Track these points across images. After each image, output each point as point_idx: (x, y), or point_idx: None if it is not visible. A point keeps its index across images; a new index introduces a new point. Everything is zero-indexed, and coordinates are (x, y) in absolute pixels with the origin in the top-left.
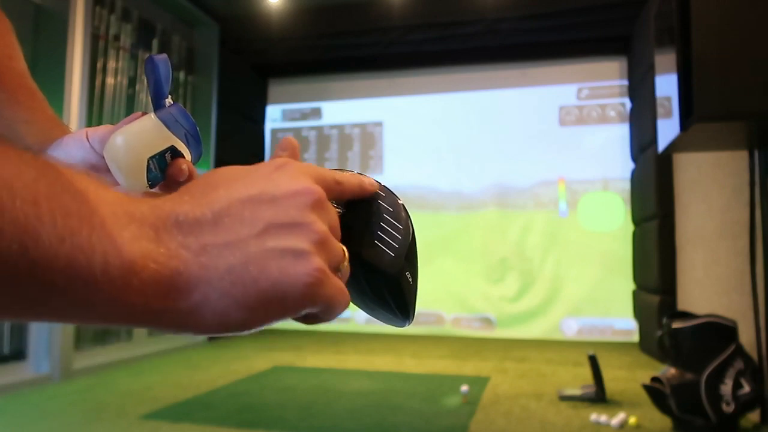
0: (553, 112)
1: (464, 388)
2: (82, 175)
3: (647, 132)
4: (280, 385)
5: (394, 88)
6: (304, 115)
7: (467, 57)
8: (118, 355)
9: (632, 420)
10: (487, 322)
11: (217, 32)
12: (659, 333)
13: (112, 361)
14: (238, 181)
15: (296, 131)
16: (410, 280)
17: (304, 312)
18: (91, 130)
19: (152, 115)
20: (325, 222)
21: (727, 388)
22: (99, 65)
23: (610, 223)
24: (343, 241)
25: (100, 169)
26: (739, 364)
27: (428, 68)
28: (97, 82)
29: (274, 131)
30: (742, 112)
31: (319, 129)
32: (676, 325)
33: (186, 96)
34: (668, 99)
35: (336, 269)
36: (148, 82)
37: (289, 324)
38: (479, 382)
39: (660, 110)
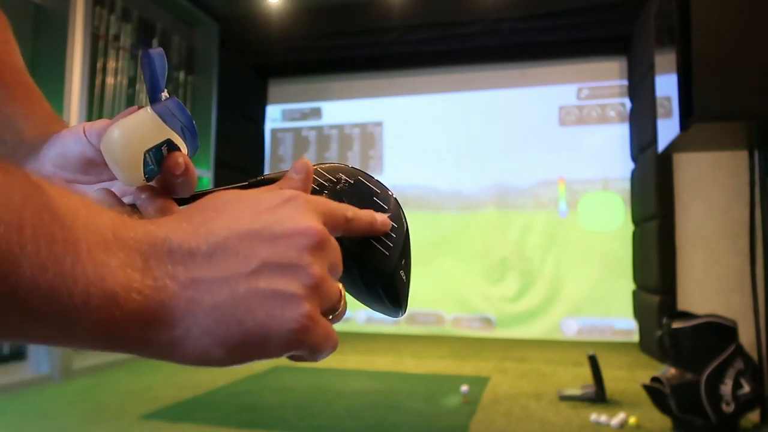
0: (553, 112)
1: (464, 388)
2: (75, 199)
3: (647, 132)
4: (280, 385)
5: (394, 88)
6: (304, 115)
7: (467, 57)
8: (118, 355)
9: (632, 420)
10: (487, 322)
11: (217, 32)
12: (659, 333)
13: (112, 361)
14: (242, 212)
15: (296, 131)
16: (404, 277)
17: (287, 354)
18: (88, 124)
19: (148, 108)
20: (326, 263)
21: (727, 388)
22: (99, 65)
23: (610, 223)
24: (337, 237)
25: (97, 163)
26: (739, 364)
27: (428, 68)
28: (97, 82)
29: (274, 131)
30: (742, 112)
31: (319, 129)
32: (676, 325)
33: (186, 96)
34: (668, 99)
35: (330, 311)
36: (144, 77)
37: None
38: (479, 382)
39: (660, 110)
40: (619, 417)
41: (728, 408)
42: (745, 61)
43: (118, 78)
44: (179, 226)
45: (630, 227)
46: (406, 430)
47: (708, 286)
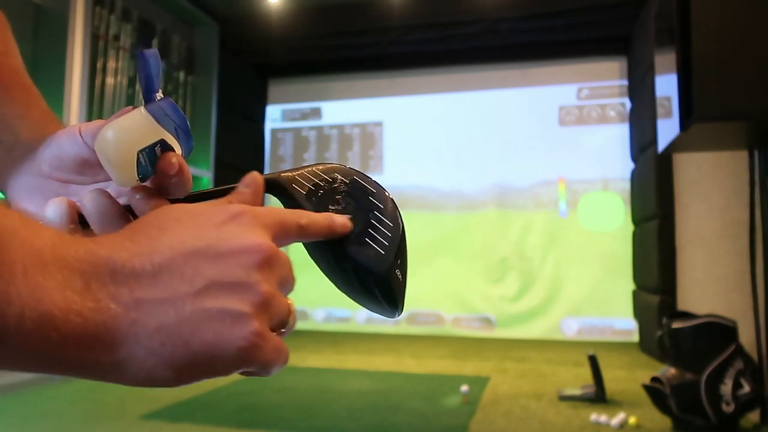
0: (553, 112)
1: (464, 388)
2: (15, 217)
3: (647, 132)
4: (280, 385)
5: (394, 88)
6: (304, 115)
7: (467, 57)
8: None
9: (632, 420)
10: (487, 322)
11: (217, 32)
12: (659, 333)
13: None
14: (188, 230)
15: (296, 131)
16: (400, 276)
17: (237, 372)
18: (83, 125)
19: (142, 108)
20: (275, 279)
21: (727, 388)
22: (99, 65)
23: (610, 223)
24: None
25: (92, 164)
26: (739, 364)
27: (428, 68)
28: (97, 82)
29: (274, 131)
30: (742, 112)
31: (319, 129)
32: (676, 325)
33: (186, 96)
34: (668, 99)
35: (280, 326)
36: (139, 77)
37: None
38: (479, 382)
39: (660, 110)
40: (619, 417)
41: (728, 408)
42: (745, 61)
43: (118, 78)
44: (122, 245)
45: (630, 227)
46: (406, 430)
47: (708, 286)
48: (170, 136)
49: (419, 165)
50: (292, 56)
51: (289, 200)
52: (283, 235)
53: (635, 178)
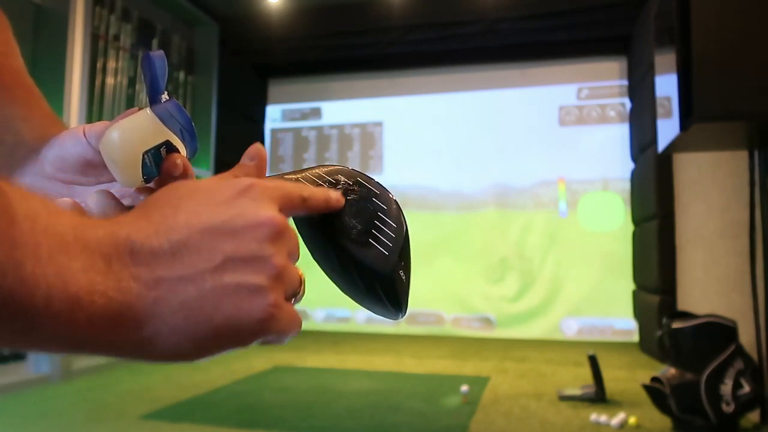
0: (553, 112)
1: (464, 388)
2: (37, 201)
3: (647, 132)
4: (280, 385)
5: (394, 88)
6: (304, 115)
7: (467, 57)
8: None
9: (632, 420)
10: (487, 322)
11: (217, 32)
12: (659, 333)
13: (112, 361)
14: (201, 206)
15: (296, 131)
16: (403, 277)
17: (257, 342)
18: (88, 126)
19: (148, 110)
20: (285, 251)
21: (727, 388)
22: (99, 65)
23: (610, 223)
24: (337, 238)
25: (96, 165)
26: (739, 364)
27: (428, 68)
28: (97, 82)
29: (274, 131)
30: (742, 112)
31: (319, 129)
32: (676, 325)
33: (186, 96)
34: (668, 99)
35: (292, 295)
36: (144, 78)
37: None
38: (479, 382)
39: (660, 110)
40: (619, 417)
41: (728, 408)
42: (745, 61)
43: (118, 78)
44: (139, 225)
45: (630, 227)
46: (406, 430)
47: (708, 286)
48: (175, 137)
49: (419, 165)
50: (292, 56)
51: None
52: (289, 207)
53: (635, 178)
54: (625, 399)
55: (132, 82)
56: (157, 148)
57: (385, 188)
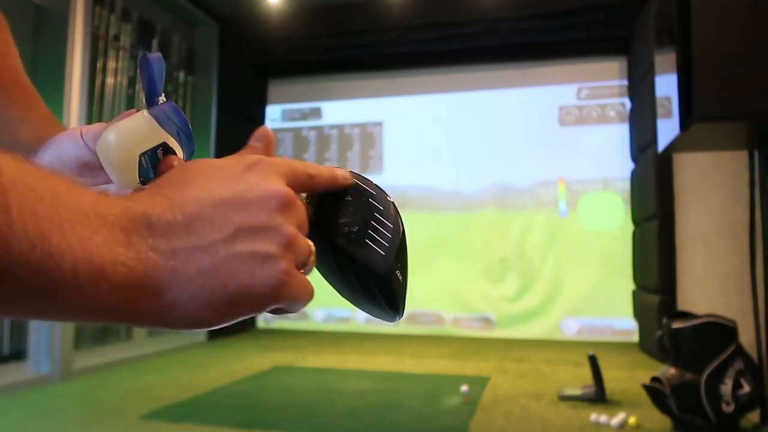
0: (553, 112)
1: (464, 388)
2: (56, 179)
3: (647, 132)
4: (280, 385)
5: (394, 88)
6: (304, 115)
7: (467, 57)
8: (118, 355)
9: (632, 420)
10: (487, 322)
11: (217, 32)
12: (659, 333)
13: (112, 361)
14: (211, 181)
15: (296, 131)
16: (400, 278)
17: (270, 308)
18: (85, 127)
19: (145, 112)
20: (294, 221)
21: (727, 388)
22: (99, 65)
23: (610, 223)
24: (333, 238)
25: (93, 166)
26: (739, 364)
27: (428, 68)
28: (97, 82)
29: (274, 131)
30: (742, 112)
31: (319, 129)
32: (676, 325)
33: (186, 96)
34: (668, 99)
35: (302, 265)
36: (142, 80)
37: (289, 324)
38: (479, 382)
39: (660, 110)
40: (619, 417)
41: (728, 408)
42: (745, 61)
43: (118, 78)
44: (154, 201)
45: (630, 227)
46: (406, 430)
47: (708, 286)
48: (172, 139)
49: (419, 165)
50: (292, 56)
51: None
52: (296, 183)
53: (635, 178)
54: (625, 399)
55: (132, 82)
56: (154, 149)
57: (381, 189)
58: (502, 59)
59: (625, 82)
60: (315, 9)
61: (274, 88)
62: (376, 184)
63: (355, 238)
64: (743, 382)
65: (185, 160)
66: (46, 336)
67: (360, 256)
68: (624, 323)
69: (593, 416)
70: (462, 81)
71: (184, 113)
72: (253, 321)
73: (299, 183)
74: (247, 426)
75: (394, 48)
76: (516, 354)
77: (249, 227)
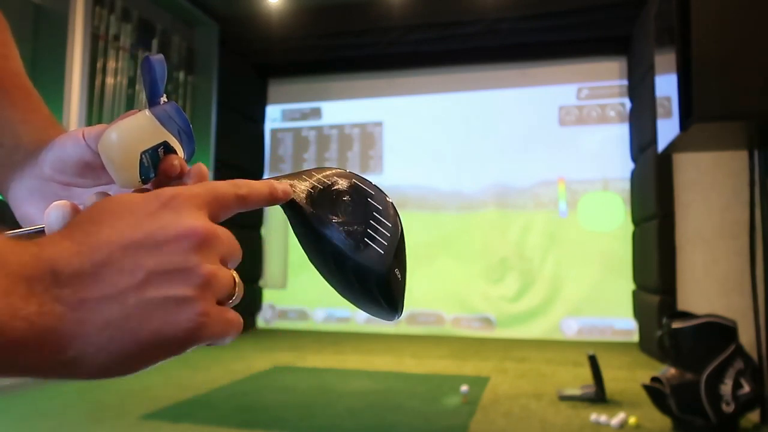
0: (553, 112)
1: (464, 388)
2: None
3: (647, 132)
4: (280, 385)
5: (394, 88)
6: (304, 115)
7: (467, 57)
8: None
9: (632, 420)
10: (487, 322)
11: (217, 32)
12: (659, 333)
13: None
14: (123, 221)
15: (296, 131)
16: (399, 277)
17: (191, 349)
18: (87, 129)
19: (146, 111)
20: (214, 257)
21: (727, 388)
22: (99, 65)
23: (610, 223)
24: (332, 238)
25: (95, 167)
26: (739, 364)
27: (428, 68)
28: (97, 82)
29: (274, 131)
30: (742, 112)
31: (318, 129)
32: (676, 325)
33: (186, 96)
34: (668, 99)
35: (228, 297)
36: (144, 82)
37: (289, 324)
38: (479, 382)
39: (660, 110)
40: (619, 417)
41: (728, 408)
42: (745, 61)
43: (118, 78)
44: (63, 246)
45: (630, 227)
46: (406, 430)
47: (708, 286)
48: (173, 138)
49: (419, 165)
50: (292, 56)
51: (289, 204)
52: (221, 209)
53: (635, 178)
54: (625, 399)
55: (132, 82)
56: (155, 148)
57: (380, 190)
58: (502, 59)
59: (625, 82)
60: (315, 9)
61: (274, 88)
62: (375, 185)
63: (354, 238)
64: (743, 382)
65: (186, 160)
66: None
67: (359, 255)
68: (624, 323)
69: (593, 416)
70: (462, 81)
71: (184, 112)
72: (253, 321)
73: (227, 207)
74: (247, 426)
75: (394, 48)
76: (516, 354)
77: (162, 271)
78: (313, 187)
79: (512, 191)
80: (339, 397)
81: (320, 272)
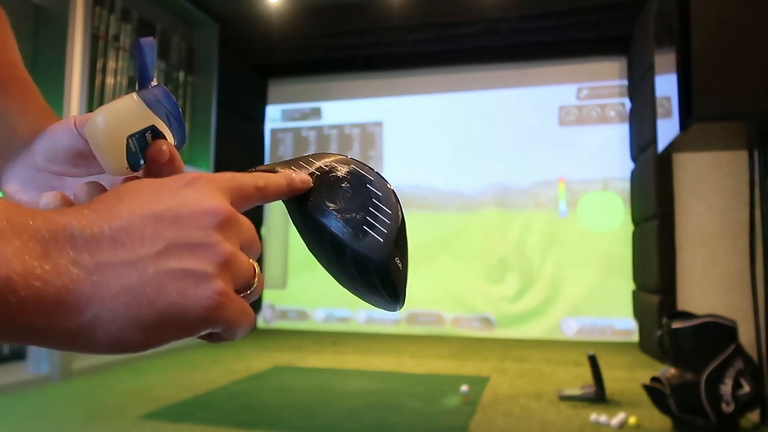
0: (553, 112)
1: (464, 388)
2: None
3: (647, 132)
4: (280, 385)
5: (394, 88)
6: (304, 115)
7: (467, 57)
8: (118, 355)
9: (632, 420)
10: (487, 322)
11: (217, 32)
12: (659, 333)
13: (112, 361)
14: (144, 195)
15: (296, 131)
16: (399, 265)
17: (204, 332)
18: (78, 117)
19: (134, 94)
20: (235, 240)
21: (726, 388)
22: (99, 65)
23: (610, 223)
24: (330, 226)
25: (86, 155)
26: (739, 364)
27: (428, 68)
28: (97, 82)
29: (274, 131)
30: (742, 112)
31: (318, 129)
32: (676, 325)
33: (186, 96)
34: (668, 99)
35: (245, 288)
36: (134, 65)
37: (289, 324)
38: (479, 382)
39: (660, 110)
40: (619, 417)
41: (728, 408)
42: (745, 61)
43: (118, 78)
44: (81, 213)
45: (630, 227)
46: (406, 430)
47: (708, 286)
48: (162, 123)
49: (419, 165)
50: (292, 56)
51: None
52: (242, 198)
53: (635, 178)
54: (625, 399)
55: (132, 82)
56: (142, 133)
57: (380, 175)
58: (502, 59)
59: (625, 82)
60: (315, 9)
61: (274, 88)
62: (376, 171)
63: (353, 226)
64: (743, 382)
65: (176, 147)
66: None
67: (358, 243)
68: (624, 323)
69: (593, 416)
70: (462, 81)
71: (184, 112)
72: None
73: (247, 197)
74: (247, 426)
75: (393, 48)
76: (516, 354)
77: (182, 243)
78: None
79: (512, 191)
80: (339, 397)
81: (320, 262)
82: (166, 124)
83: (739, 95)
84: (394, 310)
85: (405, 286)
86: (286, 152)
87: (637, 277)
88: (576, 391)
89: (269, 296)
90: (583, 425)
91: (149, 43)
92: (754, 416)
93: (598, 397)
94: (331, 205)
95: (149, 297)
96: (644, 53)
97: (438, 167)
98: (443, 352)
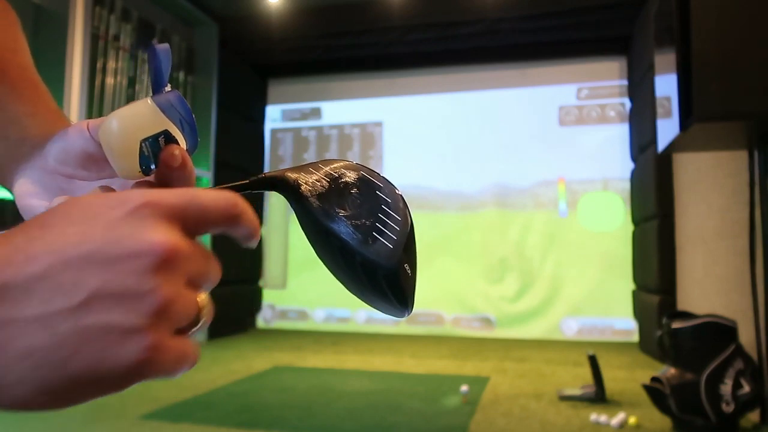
0: (553, 112)
1: (464, 388)
2: None
3: (647, 132)
4: (280, 385)
5: (394, 88)
6: (304, 115)
7: (467, 57)
8: None
9: (632, 420)
10: (487, 322)
11: (217, 32)
12: (659, 333)
13: None
14: (74, 227)
15: (296, 131)
16: (409, 271)
17: (134, 385)
18: (92, 120)
19: (148, 99)
20: (179, 278)
21: (726, 388)
22: (99, 65)
23: (610, 223)
24: (339, 232)
25: (98, 159)
26: (739, 364)
27: (428, 68)
28: (97, 82)
29: (274, 131)
30: (742, 112)
31: (318, 129)
32: (676, 325)
33: (186, 96)
34: (668, 99)
35: (191, 326)
36: (149, 70)
37: (289, 324)
38: (479, 382)
39: (660, 110)
40: (619, 417)
41: (728, 408)
42: (745, 61)
43: (118, 78)
44: None
45: (630, 227)
46: (406, 430)
47: (708, 286)
48: (175, 128)
49: (419, 165)
50: (292, 56)
51: (295, 197)
52: (199, 222)
53: (635, 178)
54: (625, 399)
55: (132, 82)
56: (156, 137)
57: (390, 182)
58: (502, 59)
59: (625, 82)
60: (315, 9)
61: (274, 88)
62: (384, 177)
63: (363, 232)
64: (743, 382)
65: (188, 152)
66: None
67: (367, 249)
68: (624, 323)
69: (593, 416)
70: (462, 81)
71: None
72: (253, 321)
73: (203, 222)
74: (247, 426)
75: (393, 48)
76: (516, 354)
77: (108, 293)
78: (320, 180)
79: (512, 191)
80: (339, 397)
81: (328, 268)
82: (179, 129)
83: (739, 95)
84: (402, 317)
85: (414, 292)
86: (286, 152)
87: (637, 277)
88: (576, 391)
89: (269, 296)
90: (583, 425)
91: (164, 49)
92: (754, 416)
93: (598, 397)
94: (341, 211)
95: (60, 359)
96: (644, 53)
97: (438, 167)
98: (443, 352)
